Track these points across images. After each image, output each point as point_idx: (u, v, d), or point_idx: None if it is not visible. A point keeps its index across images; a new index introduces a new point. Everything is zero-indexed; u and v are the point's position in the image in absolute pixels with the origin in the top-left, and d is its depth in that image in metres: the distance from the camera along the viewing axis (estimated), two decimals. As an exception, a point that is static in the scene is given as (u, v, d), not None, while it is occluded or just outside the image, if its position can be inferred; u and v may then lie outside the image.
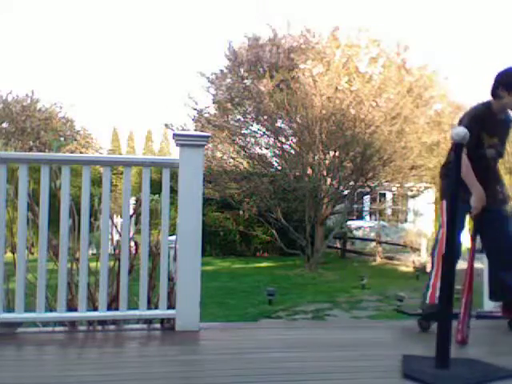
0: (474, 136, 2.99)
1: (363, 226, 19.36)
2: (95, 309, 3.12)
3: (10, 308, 3.01)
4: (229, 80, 15.60)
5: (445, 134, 14.49)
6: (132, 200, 3.39)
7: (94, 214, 3.26)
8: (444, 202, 3.22)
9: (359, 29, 13.89)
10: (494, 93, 3.23)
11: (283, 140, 14.30)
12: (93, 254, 3.34)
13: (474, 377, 2.25)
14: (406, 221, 20.13)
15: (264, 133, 14.65)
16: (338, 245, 17.68)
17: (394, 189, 16.88)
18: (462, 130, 2.48)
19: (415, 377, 2.20)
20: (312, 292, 10.04)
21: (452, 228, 2.47)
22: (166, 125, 15.67)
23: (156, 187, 3.34)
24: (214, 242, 16.10)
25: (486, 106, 3.27)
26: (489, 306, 3.93)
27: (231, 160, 14.96)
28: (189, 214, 3.10)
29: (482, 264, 3.71)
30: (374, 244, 17.19)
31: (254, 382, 2.28)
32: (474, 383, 2.21)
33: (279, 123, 14.30)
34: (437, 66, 14.54)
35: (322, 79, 12.75)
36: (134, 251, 3.29)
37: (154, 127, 38.16)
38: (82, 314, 3.04)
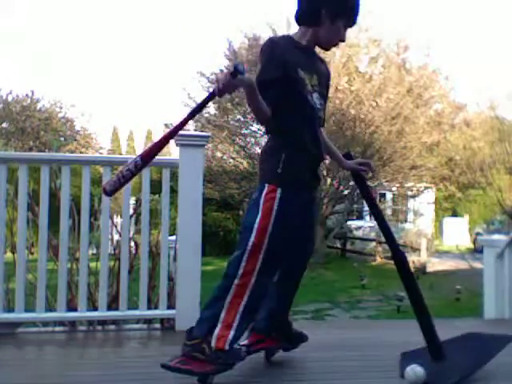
0: (286, 69, 2.13)
1: (363, 226, 19.37)
2: (95, 309, 3.12)
3: (10, 308, 3.01)
4: (229, 80, 15.59)
5: (445, 133, 14.51)
6: (132, 200, 3.39)
7: (93, 213, 3.26)
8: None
9: (359, 28, 13.90)
10: (309, 18, 2.22)
11: (283, 140, 14.29)
12: (93, 254, 3.34)
13: (469, 367, 2.24)
14: (405, 221, 20.14)
15: (264, 133, 14.65)
16: (338, 245, 17.68)
17: (394, 189, 16.89)
18: (420, 370, 2.05)
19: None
20: (312, 292, 10.04)
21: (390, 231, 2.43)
22: (166, 125, 15.68)
23: (156, 187, 3.34)
24: (213, 242, 16.09)
25: (288, 36, 2.31)
26: (489, 311, 3.92)
27: (231, 160, 14.98)
28: (189, 214, 3.10)
29: (481, 264, 3.71)
30: (373, 244, 17.20)
31: (254, 382, 2.28)
32: (469, 372, 2.21)
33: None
34: (437, 65, 14.57)
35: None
36: (134, 251, 3.29)
37: (154, 127, 38.15)
38: (82, 314, 3.04)
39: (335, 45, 2.30)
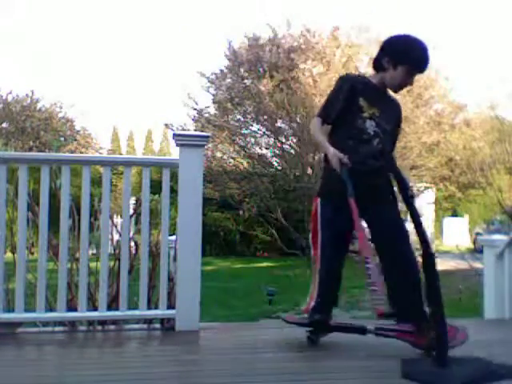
0: (350, 93, 2.66)
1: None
2: (95, 309, 3.12)
3: (10, 308, 3.01)
4: (229, 80, 15.60)
5: (445, 133, 14.50)
6: (132, 200, 3.39)
7: (93, 213, 3.26)
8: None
9: (359, 28, 13.90)
10: (377, 63, 2.75)
11: (283, 140, 14.30)
12: (93, 254, 3.33)
13: (472, 374, 2.25)
14: (406, 221, 20.09)
15: (264, 133, 14.65)
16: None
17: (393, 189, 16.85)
18: None
19: (414, 377, 2.19)
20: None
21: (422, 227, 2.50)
22: (166, 125, 15.68)
23: (156, 187, 3.34)
24: (214, 242, 16.07)
25: (363, 75, 3.03)
26: (489, 311, 3.91)
27: (231, 160, 14.96)
28: (189, 214, 3.10)
29: (481, 264, 3.71)
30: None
31: (254, 382, 2.28)
32: (472, 381, 2.21)
33: (279, 123, 14.30)
34: (437, 65, 14.56)
35: (322, 79, 12.76)
36: (134, 251, 3.29)
37: (154, 127, 38.12)
38: (82, 314, 3.04)
39: (402, 87, 2.75)
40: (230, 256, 16.07)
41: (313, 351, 2.74)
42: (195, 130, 14.62)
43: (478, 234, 19.89)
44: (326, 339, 2.90)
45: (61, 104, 25.63)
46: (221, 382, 2.22)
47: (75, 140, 25.14)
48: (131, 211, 3.28)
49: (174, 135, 3.17)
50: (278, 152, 14.52)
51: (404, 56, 2.64)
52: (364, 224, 2.71)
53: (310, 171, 13.72)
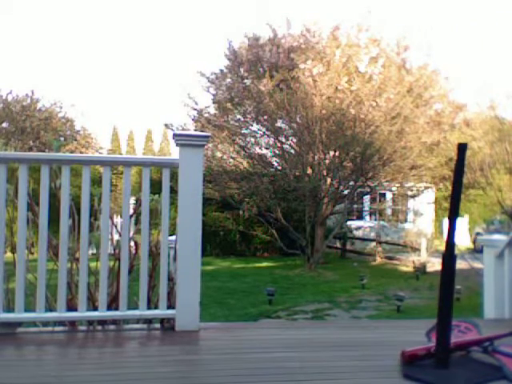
0: None
1: (363, 226, 19.37)
2: (95, 309, 3.12)
3: (10, 308, 3.01)
4: (229, 80, 15.63)
5: (445, 133, 14.51)
6: (132, 200, 3.38)
7: (93, 213, 3.26)
8: None
9: (359, 28, 13.90)
10: None
11: (283, 140, 14.31)
12: (93, 254, 3.34)
13: (473, 376, 2.25)
14: (406, 221, 20.13)
15: (264, 133, 14.66)
16: (338, 245, 17.68)
17: (393, 189, 16.88)
18: None
19: (415, 377, 2.19)
20: (312, 292, 10.05)
21: (452, 228, 2.46)
22: (166, 125, 15.70)
23: (156, 187, 3.34)
24: (214, 242, 16.09)
25: None
26: (489, 311, 3.92)
27: (231, 160, 14.97)
28: (189, 214, 3.10)
29: (481, 264, 3.70)
30: (373, 244, 17.19)
31: (254, 382, 2.28)
32: (473, 381, 2.22)
33: (279, 123, 14.31)
34: (437, 65, 14.58)
35: (321, 79, 12.76)
36: (134, 251, 3.29)
37: (154, 127, 38.16)
38: (82, 314, 3.04)
39: None
40: (230, 256, 16.08)
41: (312, 351, 2.74)
42: (195, 130, 14.63)
43: (477, 233, 19.93)
44: (325, 339, 2.90)
45: (61, 104, 25.67)
46: (221, 382, 2.22)
47: (75, 140, 25.15)
48: (131, 211, 3.28)
49: (174, 135, 3.17)
50: (278, 152, 14.53)
51: None
52: None
53: (309, 171, 13.73)
